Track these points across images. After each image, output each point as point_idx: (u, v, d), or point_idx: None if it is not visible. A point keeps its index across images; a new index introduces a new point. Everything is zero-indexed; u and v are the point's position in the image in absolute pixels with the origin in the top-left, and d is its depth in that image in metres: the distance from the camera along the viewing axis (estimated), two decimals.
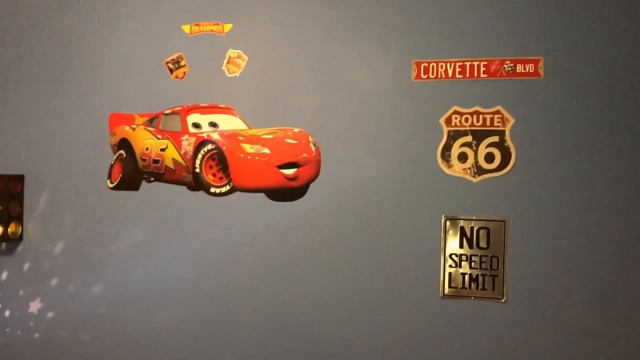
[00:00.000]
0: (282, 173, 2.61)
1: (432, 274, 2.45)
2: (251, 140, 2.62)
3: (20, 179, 2.91)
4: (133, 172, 2.81)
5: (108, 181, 2.84)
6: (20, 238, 2.93)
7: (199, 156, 2.69)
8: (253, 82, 2.66)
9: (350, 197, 2.54)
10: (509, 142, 2.38)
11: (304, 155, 2.61)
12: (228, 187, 2.67)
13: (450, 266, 2.44)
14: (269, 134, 2.64)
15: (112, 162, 2.84)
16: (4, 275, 2.97)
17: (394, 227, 2.49)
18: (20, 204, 2.92)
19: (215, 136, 2.66)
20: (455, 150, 2.44)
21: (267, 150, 2.61)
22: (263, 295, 2.64)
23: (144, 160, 2.79)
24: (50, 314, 2.91)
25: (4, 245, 2.95)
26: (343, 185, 2.55)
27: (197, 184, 2.71)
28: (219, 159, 2.66)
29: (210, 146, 2.66)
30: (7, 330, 2.96)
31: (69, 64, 2.88)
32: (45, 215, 2.92)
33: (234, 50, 2.67)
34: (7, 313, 2.96)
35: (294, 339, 2.61)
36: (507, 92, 2.38)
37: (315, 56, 2.59)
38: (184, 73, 2.73)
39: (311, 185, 2.60)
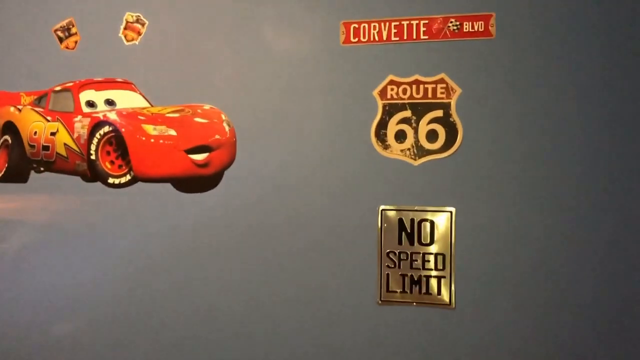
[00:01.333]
0: (190, 159, 2.19)
1: (367, 276, 2.05)
2: (154, 120, 2.20)
3: None
4: (20, 161, 2.37)
5: None
6: None
7: (94, 140, 2.26)
8: (154, 50, 2.23)
9: (270, 185, 2.13)
10: (454, 117, 1.98)
11: (217, 137, 2.19)
12: (128, 177, 2.24)
13: (388, 266, 2.04)
14: (174, 112, 2.22)
15: None
16: None
17: (322, 220, 2.08)
18: None
19: (113, 116, 2.23)
20: (392, 127, 2.03)
21: (173, 132, 2.19)
22: (164, 303, 2.23)
23: (32, 146, 2.36)
24: None
25: None
26: (262, 171, 2.14)
27: (93, 174, 2.28)
28: (117, 143, 2.23)
29: (107, 128, 2.24)
30: None
31: None
32: None
33: (131, 14, 2.23)
34: None
35: (204, 347, 2.20)
36: (452, 57, 1.98)
37: (227, 19, 2.17)
38: (76, 42, 2.29)
39: (225, 172, 2.19)
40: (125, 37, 2.24)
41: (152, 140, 2.19)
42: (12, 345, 2.40)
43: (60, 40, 2.31)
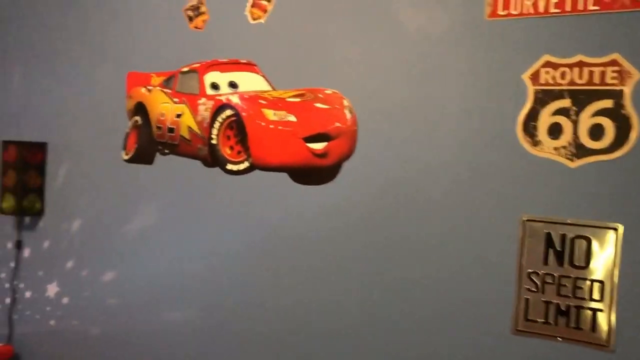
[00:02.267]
0: (309, 148, 2.00)
1: (501, 299, 1.70)
2: (274, 104, 2.05)
3: (41, 147, 2.62)
4: (148, 142, 2.37)
5: (123, 152, 2.43)
6: (40, 212, 2.64)
7: (216, 124, 2.16)
8: (279, 29, 2.08)
9: (394, 183, 1.86)
10: (628, 109, 1.55)
11: (337, 124, 1.97)
12: (247, 164, 2.12)
13: (529, 290, 1.67)
14: (296, 96, 2.04)
15: (128, 130, 2.42)
16: (27, 252, 2.71)
17: (451, 228, 1.77)
18: (41, 175, 2.62)
19: (235, 99, 2.12)
20: (545, 119, 1.65)
21: (292, 118, 2.02)
22: (275, 296, 2.07)
23: (159, 128, 2.34)
24: (65, 300, 2.60)
25: (27, 219, 2.69)
26: (385, 166, 1.88)
27: (213, 159, 2.19)
28: (238, 128, 2.11)
29: (229, 112, 2.13)
30: (28, 312, 2.70)
31: (85, 22, 2.51)
32: (65, 189, 2.60)
33: None
34: (27, 294, 2.70)
35: (310, 346, 2.00)
36: (628, 33, 1.55)
37: None
38: (204, 21, 2.22)
39: (344, 164, 1.97)
40: (251, 15, 2.12)
41: (272, 126, 2.03)
42: (123, 325, 2.42)
43: (190, 19, 2.25)
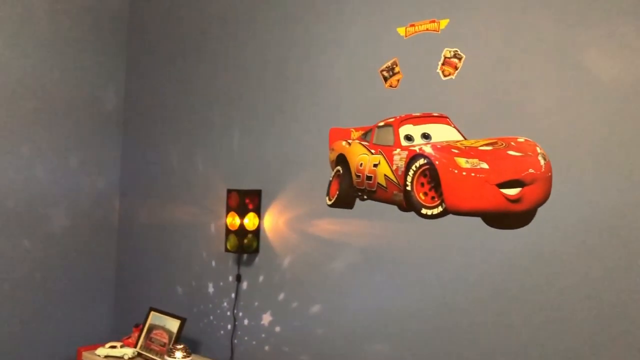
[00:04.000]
0: (502, 193, 2.11)
1: None
2: (466, 153, 2.19)
3: (257, 194, 3.04)
4: (349, 189, 2.65)
5: (326, 198, 2.74)
6: (257, 250, 3.05)
7: (411, 172, 2.37)
8: (470, 83, 2.23)
9: (595, 228, 1.89)
10: None
11: (531, 171, 2.06)
12: (440, 209, 2.28)
13: None
14: (487, 145, 2.17)
15: (330, 179, 2.73)
16: (245, 285, 3.13)
17: None
18: (258, 217, 3.04)
19: (428, 149, 2.31)
20: None
21: (485, 165, 2.15)
22: (473, 345, 2.17)
23: (358, 176, 2.60)
24: (277, 328, 2.95)
25: (245, 257, 3.12)
26: (584, 211, 1.92)
27: (408, 204, 2.39)
28: (431, 175, 2.29)
29: (422, 161, 2.32)
30: (246, 338, 3.10)
31: (296, 88, 2.89)
32: (278, 230, 2.98)
33: (449, 50, 2.28)
34: (245, 321, 3.11)
35: None
36: None
37: (547, 46, 2.03)
38: (398, 80, 2.46)
39: (539, 209, 2.04)
40: (442, 72, 2.30)
41: (464, 173, 2.18)
42: (329, 353, 2.67)
43: (385, 79, 2.50)
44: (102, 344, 3.25)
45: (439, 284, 2.31)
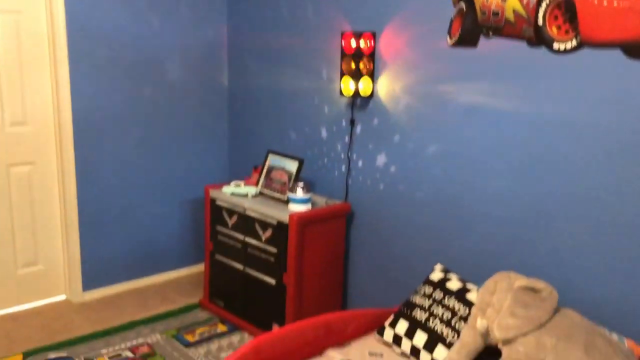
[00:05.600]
0: None
1: None
2: None
3: (372, 35, 3.03)
4: (472, 27, 2.58)
5: (448, 37, 2.70)
6: (371, 95, 3.11)
7: (543, 4, 2.27)
8: None
9: None
10: None
11: None
12: (574, 43, 2.21)
13: None
14: None
15: (452, 17, 2.66)
16: (359, 129, 3.23)
17: None
18: (372, 62, 3.06)
19: None
20: None
21: None
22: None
23: (483, 13, 2.52)
24: (392, 168, 3.08)
25: (359, 100, 3.19)
26: None
27: (539, 39, 2.32)
28: (566, 7, 2.19)
29: None
30: (360, 178, 3.27)
31: None
32: (392, 73, 3.00)
33: None
34: (360, 163, 3.26)
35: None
36: None
37: None
38: None
39: None
40: None
41: (605, 3, 2.07)
42: (445, 190, 2.79)
43: None
44: (225, 184, 3.55)
45: (568, 122, 2.30)
